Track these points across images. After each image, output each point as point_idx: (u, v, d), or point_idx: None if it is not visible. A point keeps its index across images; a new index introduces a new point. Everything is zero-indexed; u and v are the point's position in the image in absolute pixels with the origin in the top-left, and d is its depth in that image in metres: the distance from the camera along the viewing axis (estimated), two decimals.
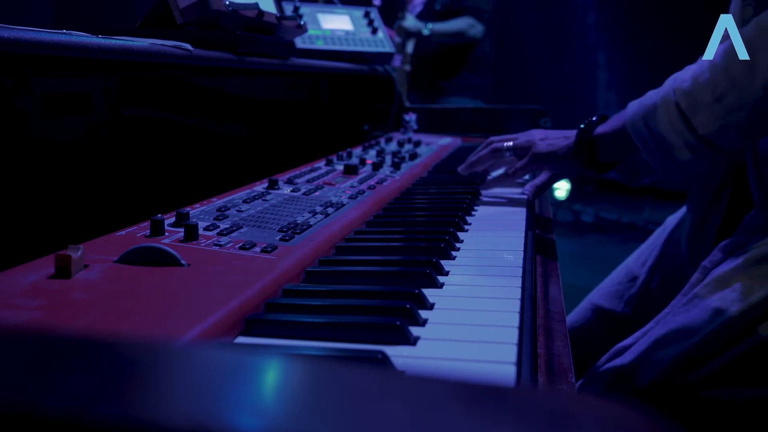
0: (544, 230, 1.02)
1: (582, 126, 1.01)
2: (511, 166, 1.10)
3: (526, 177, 1.23)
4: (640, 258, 1.24)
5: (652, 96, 0.90)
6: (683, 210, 1.20)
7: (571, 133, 1.03)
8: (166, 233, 0.68)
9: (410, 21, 2.79)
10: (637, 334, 0.94)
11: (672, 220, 1.23)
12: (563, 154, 1.02)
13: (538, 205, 1.16)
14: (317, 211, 0.82)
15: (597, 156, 0.99)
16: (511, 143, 1.09)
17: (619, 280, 1.24)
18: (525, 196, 1.08)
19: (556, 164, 1.05)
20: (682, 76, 0.87)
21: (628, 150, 0.96)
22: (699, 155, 0.85)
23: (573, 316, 1.26)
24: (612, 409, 0.20)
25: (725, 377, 0.82)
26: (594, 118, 1.01)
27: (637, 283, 1.20)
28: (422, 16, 2.95)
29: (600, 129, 0.98)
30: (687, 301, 0.89)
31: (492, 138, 1.13)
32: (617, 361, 0.92)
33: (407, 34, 2.77)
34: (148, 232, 0.68)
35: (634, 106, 0.93)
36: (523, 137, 1.08)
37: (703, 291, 0.88)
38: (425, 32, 2.82)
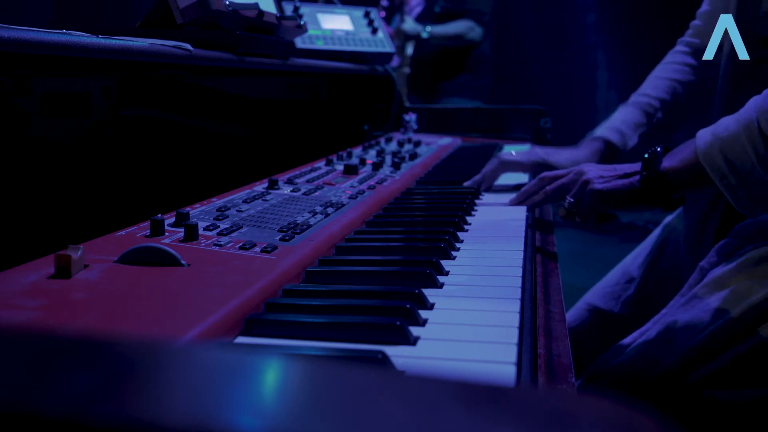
0: (544, 230, 1.01)
1: (645, 159, 0.89)
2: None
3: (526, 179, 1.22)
4: (636, 259, 1.24)
5: (728, 124, 0.80)
6: (680, 210, 1.20)
7: (631, 168, 0.91)
8: (166, 233, 0.68)
9: (409, 24, 2.79)
10: (635, 334, 0.95)
11: (669, 221, 1.24)
12: (626, 194, 0.90)
13: (537, 207, 1.16)
14: (317, 211, 0.82)
15: (669, 193, 0.87)
16: (561, 181, 0.97)
17: (615, 281, 1.24)
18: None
19: (616, 205, 0.92)
20: (765, 98, 0.77)
21: (702, 184, 0.84)
22: None
23: (569, 316, 1.26)
24: (612, 410, 0.20)
25: (726, 378, 0.82)
26: (658, 149, 0.89)
27: (634, 283, 1.20)
28: (421, 18, 2.95)
29: (667, 163, 0.86)
30: (685, 301, 0.89)
31: (545, 174, 1.01)
32: (616, 361, 0.92)
33: (406, 36, 2.77)
34: (148, 232, 0.68)
35: (705, 135, 0.82)
36: (573, 173, 0.97)
37: (701, 291, 0.87)
38: (424, 35, 2.83)
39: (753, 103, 0.78)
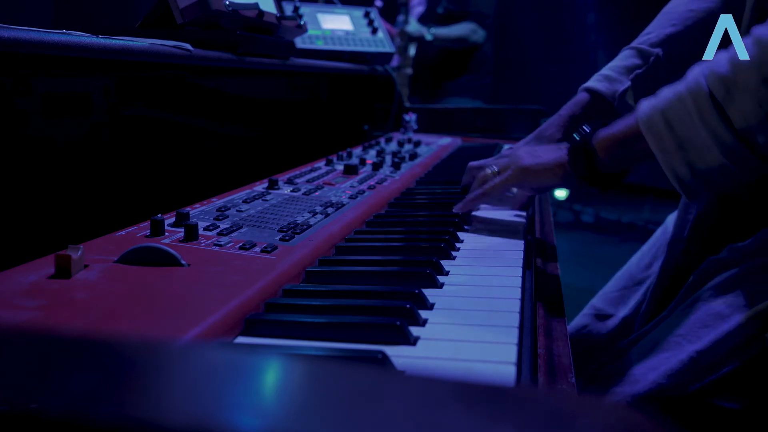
0: (544, 231, 1.01)
1: (579, 130, 0.83)
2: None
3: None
4: (642, 260, 1.23)
5: (671, 89, 0.74)
6: (681, 211, 1.19)
7: (564, 143, 0.87)
8: (166, 233, 0.68)
9: (413, 26, 2.80)
10: (639, 336, 0.94)
11: (672, 221, 1.23)
12: (554, 166, 0.85)
13: (537, 207, 1.16)
14: (317, 211, 0.82)
15: (597, 166, 0.81)
16: (495, 167, 0.92)
17: (622, 285, 1.23)
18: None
19: (546, 181, 0.87)
20: (715, 63, 0.71)
21: (637, 157, 0.79)
22: (732, 159, 0.69)
23: (576, 322, 1.25)
24: (612, 411, 0.20)
25: (731, 384, 0.81)
26: (599, 123, 0.83)
27: (639, 286, 1.19)
28: (424, 20, 2.95)
29: (602, 132, 0.81)
30: (688, 305, 0.88)
31: (471, 164, 0.97)
32: (618, 364, 0.92)
33: (410, 38, 2.78)
34: (148, 232, 0.68)
35: (648, 101, 0.76)
36: (506, 157, 0.92)
37: (705, 295, 0.86)
38: (428, 37, 2.83)
39: (700, 69, 0.73)
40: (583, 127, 0.83)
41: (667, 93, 0.74)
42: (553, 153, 0.87)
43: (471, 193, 0.92)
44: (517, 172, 0.87)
